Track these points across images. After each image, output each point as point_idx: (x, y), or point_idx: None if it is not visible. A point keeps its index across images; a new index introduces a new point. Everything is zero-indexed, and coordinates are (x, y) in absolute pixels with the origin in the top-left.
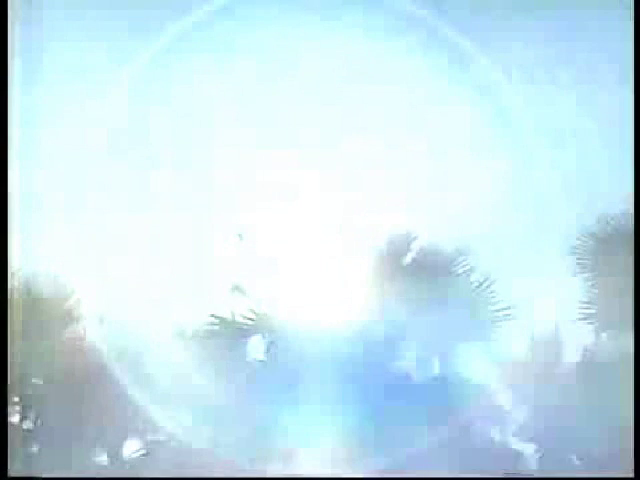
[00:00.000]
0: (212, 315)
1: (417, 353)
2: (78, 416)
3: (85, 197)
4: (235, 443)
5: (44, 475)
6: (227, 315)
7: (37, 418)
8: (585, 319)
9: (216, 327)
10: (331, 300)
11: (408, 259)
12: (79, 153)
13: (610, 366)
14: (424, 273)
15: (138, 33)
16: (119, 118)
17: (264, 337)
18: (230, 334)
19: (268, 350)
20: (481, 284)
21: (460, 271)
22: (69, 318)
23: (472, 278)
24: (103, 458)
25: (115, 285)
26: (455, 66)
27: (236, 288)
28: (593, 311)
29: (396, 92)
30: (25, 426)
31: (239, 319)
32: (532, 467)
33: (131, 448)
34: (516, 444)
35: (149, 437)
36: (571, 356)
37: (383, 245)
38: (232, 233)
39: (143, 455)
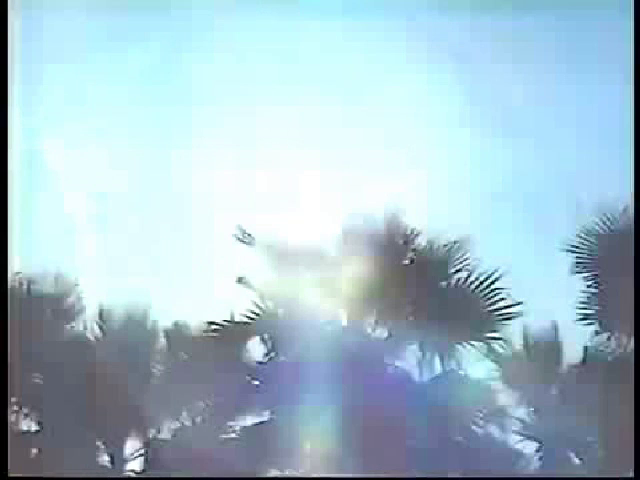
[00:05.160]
0: (210, 322)
1: (417, 353)
2: (78, 415)
3: (85, 196)
4: (235, 442)
5: (44, 475)
6: (226, 318)
7: (37, 417)
8: (584, 319)
9: (216, 334)
10: (331, 299)
11: (407, 258)
12: (79, 152)
13: (610, 366)
14: (423, 272)
15: (139, 33)
16: (119, 117)
17: (266, 336)
18: (230, 338)
19: (270, 351)
20: (481, 283)
21: (459, 270)
22: (69, 317)
23: (471, 277)
24: (103, 457)
25: (115, 285)
26: (455, 61)
27: (241, 280)
28: (592, 311)
29: (395, 90)
30: (25, 425)
31: (240, 319)
32: (532, 467)
33: (131, 447)
34: (516, 444)
35: (149, 436)
36: (570, 356)
37: (383, 244)
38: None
39: (143, 455)
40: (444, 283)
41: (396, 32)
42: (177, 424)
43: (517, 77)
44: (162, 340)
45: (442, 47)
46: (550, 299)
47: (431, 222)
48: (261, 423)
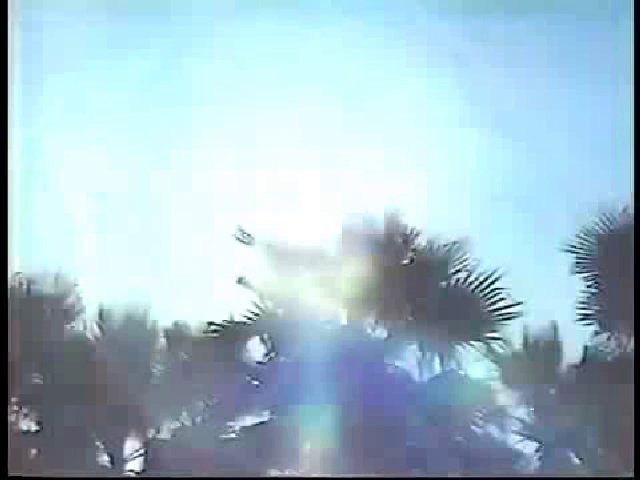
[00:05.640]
0: (210, 322)
1: (417, 353)
2: (78, 414)
3: (85, 196)
4: (235, 442)
5: (44, 475)
6: (226, 318)
7: (37, 417)
8: (584, 319)
9: (216, 334)
10: (331, 299)
11: (407, 258)
12: (79, 151)
13: (610, 366)
14: (423, 272)
15: (139, 34)
16: (119, 117)
17: (266, 336)
18: (229, 338)
19: (269, 351)
20: (481, 283)
21: (459, 270)
22: (69, 317)
23: (471, 277)
24: (103, 457)
25: (115, 285)
26: (455, 64)
27: (240, 280)
28: (592, 311)
29: (394, 91)
30: (25, 425)
31: (240, 319)
32: (532, 467)
33: (131, 447)
34: (516, 444)
35: (149, 436)
36: (570, 356)
37: (382, 244)
38: (233, 234)
39: (143, 455)
40: (444, 283)
41: (395, 35)
42: (177, 424)
43: (517, 78)
44: (162, 340)
45: (442, 50)
46: (550, 299)
47: (431, 222)
48: (261, 423)
